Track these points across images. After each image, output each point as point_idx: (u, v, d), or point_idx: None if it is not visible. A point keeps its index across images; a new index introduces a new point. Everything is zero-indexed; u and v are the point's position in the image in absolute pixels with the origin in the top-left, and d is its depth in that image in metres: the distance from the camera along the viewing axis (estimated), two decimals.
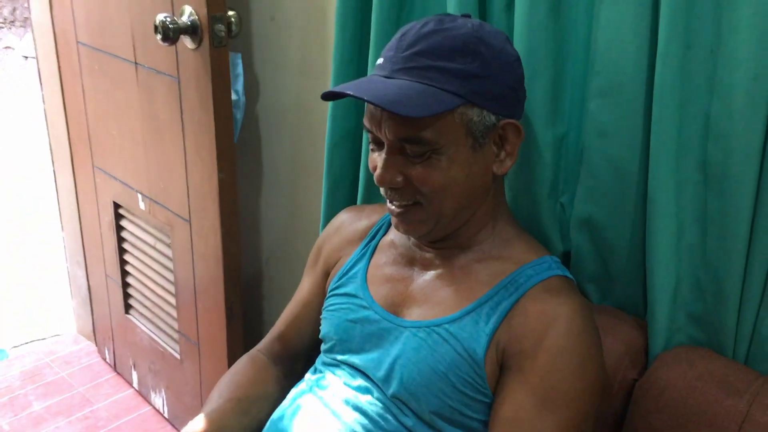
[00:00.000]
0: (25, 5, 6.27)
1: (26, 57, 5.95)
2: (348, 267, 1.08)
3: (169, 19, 1.38)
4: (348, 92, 0.87)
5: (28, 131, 4.68)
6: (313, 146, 1.55)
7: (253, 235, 1.77)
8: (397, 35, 0.92)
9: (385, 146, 0.91)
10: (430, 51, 0.88)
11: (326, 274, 1.14)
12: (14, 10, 6.29)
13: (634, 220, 1.02)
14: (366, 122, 0.93)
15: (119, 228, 1.92)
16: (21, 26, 6.27)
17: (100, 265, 2.07)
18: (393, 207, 0.96)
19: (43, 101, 2.11)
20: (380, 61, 0.93)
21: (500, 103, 0.91)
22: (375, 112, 0.90)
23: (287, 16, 1.51)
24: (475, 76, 0.88)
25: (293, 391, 1.07)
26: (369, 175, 1.29)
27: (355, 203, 1.34)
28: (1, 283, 2.77)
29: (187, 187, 1.59)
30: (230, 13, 1.42)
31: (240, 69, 1.54)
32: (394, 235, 1.07)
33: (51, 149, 2.17)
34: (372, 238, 1.09)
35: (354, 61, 1.27)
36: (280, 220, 1.72)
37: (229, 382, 1.13)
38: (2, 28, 6.25)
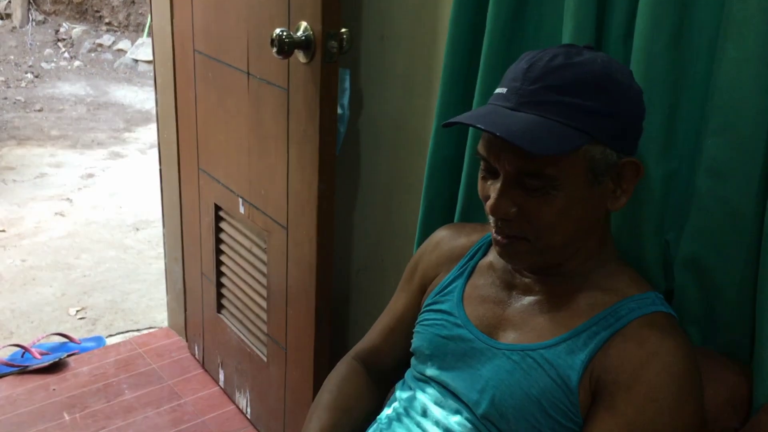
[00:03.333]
0: (140, 11, 6.62)
1: (136, 60, 6.26)
2: (445, 284, 1.09)
3: (285, 34, 1.43)
4: (477, 125, 0.88)
5: (137, 129, 4.92)
6: (412, 164, 1.57)
7: (346, 245, 1.81)
8: (523, 64, 0.91)
9: (502, 177, 0.91)
10: (559, 86, 0.87)
11: (423, 290, 1.15)
12: (128, 15, 6.65)
13: (746, 263, 0.99)
14: (482, 150, 0.93)
15: (218, 229, 1.99)
16: (134, 31, 6.62)
17: (197, 264, 2.15)
18: (498, 237, 0.95)
19: (157, 104, 2.22)
20: (503, 90, 0.92)
21: (623, 141, 0.91)
22: (494, 143, 0.90)
23: (396, 36, 1.54)
24: (603, 114, 0.88)
25: (386, 412, 1.09)
26: (467, 199, 1.30)
27: (452, 220, 1.35)
28: (105, 274, 2.92)
29: (287, 195, 1.64)
30: (343, 30, 1.46)
31: (347, 84, 1.58)
32: (493, 257, 1.07)
33: (159, 150, 2.27)
34: (471, 258, 1.09)
35: (461, 84, 1.28)
36: (373, 233, 1.74)
37: (336, 391, 1.16)
38: (117, 31, 6.61)
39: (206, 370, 2.23)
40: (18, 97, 5.36)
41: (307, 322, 1.67)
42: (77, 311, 2.63)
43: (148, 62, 6.20)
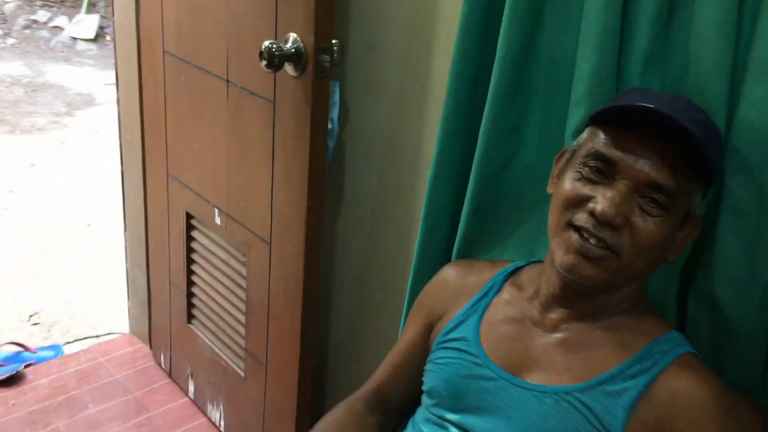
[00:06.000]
0: None
1: (75, 38, 5.99)
2: (457, 321, 1.06)
3: (275, 47, 1.36)
4: (660, 109, 0.86)
5: (82, 114, 4.69)
6: (400, 180, 1.53)
7: (328, 259, 1.76)
8: (664, 95, 0.94)
9: (624, 183, 0.88)
10: (701, 121, 0.90)
11: (429, 328, 1.12)
12: None
13: (762, 302, 0.99)
14: (609, 150, 0.90)
15: (189, 238, 1.91)
16: (71, 7, 6.33)
17: (164, 272, 2.07)
18: (588, 245, 0.90)
19: (118, 103, 2.11)
20: (649, 105, 0.88)
21: (703, 197, 0.95)
22: (635, 144, 0.88)
23: (387, 47, 1.49)
24: (717, 166, 0.92)
25: None
26: (472, 218, 1.25)
27: (452, 246, 1.31)
28: (58, 275, 2.78)
29: (271, 210, 1.57)
30: (334, 41, 1.40)
31: (337, 98, 1.53)
32: (509, 294, 1.05)
33: (121, 151, 2.16)
34: (484, 296, 1.07)
35: (464, 110, 1.24)
36: (356, 247, 1.70)
37: (324, 430, 1.12)
38: (52, 7, 6.30)
39: (174, 380, 2.15)
40: None
41: (290, 339, 1.62)
42: (30, 316, 2.50)
43: (87, 40, 5.94)
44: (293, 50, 1.37)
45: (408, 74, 1.47)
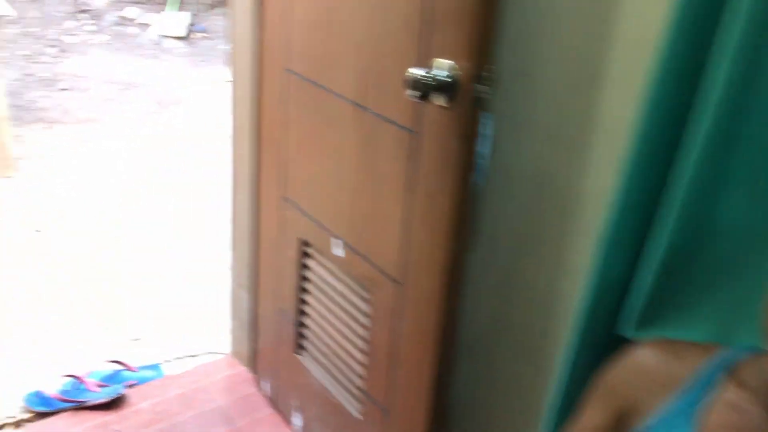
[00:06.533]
0: None
1: (163, 36, 6.01)
2: (662, 422, 0.89)
3: (428, 76, 1.22)
4: None
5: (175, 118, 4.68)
6: (549, 221, 1.37)
7: None
8: None
9: None
10: None
11: (620, 416, 0.96)
12: None
13: None
14: None
15: (303, 266, 1.80)
16: (160, 3, 6.36)
17: (272, 297, 1.97)
18: None
19: (234, 117, 2.02)
20: None
21: None
22: None
23: (544, 73, 1.33)
24: None
25: None
26: (656, 280, 1.09)
27: (623, 308, 1.15)
28: (155, 288, 2.72)
29: (405, 248, 1.44)
30: (490, 68, 1.25)
31: (488, 131, 1.38)
32: (733, 395, 0.87)
33: (234, 169, 2.07)
34: (695, 391, 0.90)
35: (662, 146, 1.07)
36: (490, 287, 1.54)
37: None
38: (142, 4, 6.35)
39: (278, 411, 2.05)
40: (43, 74, 5.13)
41: (419, 387, 1.49)
42: (129, 331, 2.44)
43: (176, 38, 5.96)
44: (448, 79, 1.23)
45: (568, 106, 1.31)
